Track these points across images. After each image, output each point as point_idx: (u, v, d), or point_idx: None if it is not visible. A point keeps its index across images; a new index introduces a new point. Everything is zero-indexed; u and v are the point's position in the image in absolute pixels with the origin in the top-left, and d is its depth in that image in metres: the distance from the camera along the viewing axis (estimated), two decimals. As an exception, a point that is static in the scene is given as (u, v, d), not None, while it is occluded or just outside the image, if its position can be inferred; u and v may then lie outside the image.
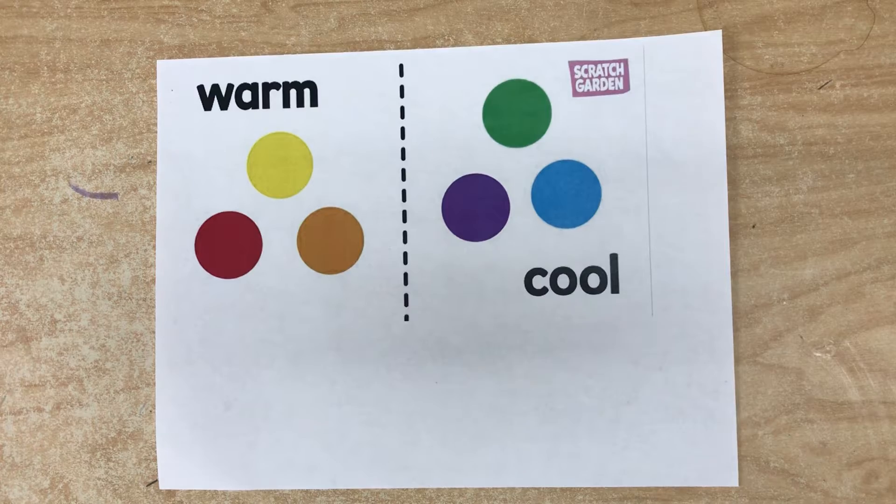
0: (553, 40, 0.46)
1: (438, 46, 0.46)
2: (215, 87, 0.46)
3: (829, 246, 0.44)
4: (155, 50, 0.47)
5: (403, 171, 0.45)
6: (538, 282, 0.45)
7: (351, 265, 0.45)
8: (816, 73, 0.45)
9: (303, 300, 0.45)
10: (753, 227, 0.44)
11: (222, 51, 0.47)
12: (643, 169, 0.44)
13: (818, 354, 0.44)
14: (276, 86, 0.46)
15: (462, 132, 0.45)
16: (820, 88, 0.45)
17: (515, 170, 0.45)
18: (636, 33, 0.45)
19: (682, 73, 0.44)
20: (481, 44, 0.46)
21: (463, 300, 0.45)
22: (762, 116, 0.45)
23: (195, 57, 0.47)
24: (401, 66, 0.46)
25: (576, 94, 0.45)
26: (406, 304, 0.45)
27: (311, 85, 0.46)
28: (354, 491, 0.45)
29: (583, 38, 0.45)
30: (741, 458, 0.44)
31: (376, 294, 0.45)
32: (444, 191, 0.45)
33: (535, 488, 0.45)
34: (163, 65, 0.47)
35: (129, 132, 0.47)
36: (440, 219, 0.45)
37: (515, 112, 0.45)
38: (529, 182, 0.45)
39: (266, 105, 0.46)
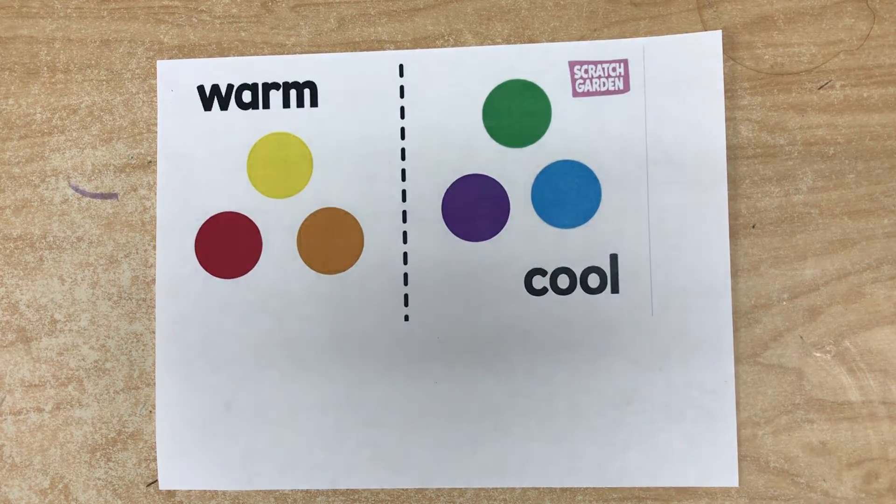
0: (553, 40, 0.46)
1: (438, 46, 0.46)
2: (215, 88, 0.46)
3: (829, 246, 0.44)
4: (155, 50, 0.47)
5: (403, 171, 0.45)
6: (538, 282, 0.45)
7: (351, 265, 0.45)
8: (816, 73, 0.45)
9: (303, 300, 0.45)
10: (753, 227, 0.44)
11: (222, 51, 0.47)
12: (643, 169, 0.44)
13: (818, 354, 0.44)
14: (276, 86, 0.46)
15: (462, 132, 0.45)
16: (820, 88, 0.45)
17: (515, 170, 0.45)
18: (636, 33, 0.45)
19: (682, 74, 0.44)
20: (481, 44, 0.46)
21: (463, 300, 0.45)
22: (762, 116, 0.45)
23: (195, 57, 0.47)
24: (401, 67, 0.46)
25: (576, 94, 0.45)
26: (406, 304, 0.45)
27: (311, 85, 0.46)
28: (354, 491, 0.45)
29: (583, 38, 0.45)
30: (741, 458, 0.44)
31: (376, 294, 0.45)
32: (444, 191, 0.45)
33: (535, 488, 0.45)
34: (163, 65, 0.47)
35: (129, 132, 0.47)
36: (440, 219, 0.45)
37: (515, 112, 0.45)
38: (529, 182, 0.45)
39: (266, 105, 0.46)
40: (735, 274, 0.44)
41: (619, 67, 0.45)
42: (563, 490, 0.45)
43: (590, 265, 0.45)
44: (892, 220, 0.44)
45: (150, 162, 0.47)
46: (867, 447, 0.44)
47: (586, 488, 0.44)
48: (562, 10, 0.46)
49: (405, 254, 0.45)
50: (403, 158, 0.45)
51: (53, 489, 0.46)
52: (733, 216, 0.44)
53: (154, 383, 0.46)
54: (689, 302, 0.44)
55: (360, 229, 0.45)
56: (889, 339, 0.44)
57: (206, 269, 0.46)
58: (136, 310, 0.46)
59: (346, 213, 0.45)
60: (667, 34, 0.45)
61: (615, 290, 0.44)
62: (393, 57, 0.46)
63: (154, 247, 0.46)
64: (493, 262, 0.45)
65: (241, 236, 0.46)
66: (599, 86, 0.45)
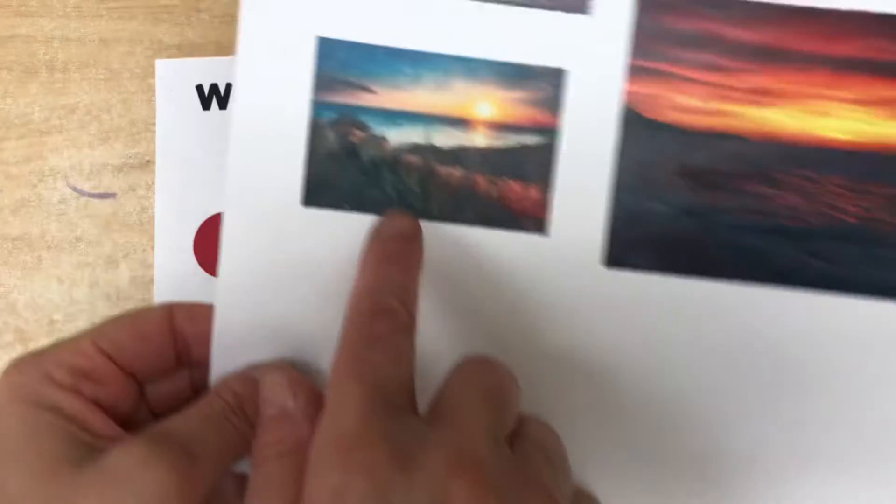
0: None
1: (439, 45, 0.46)
2: (214, 87, 0.46)
3: None
4: (154, 49, 0.47)
5: (403, 170, 0.45)
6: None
7: (350, 266, 0.45)
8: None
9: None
10: None
11: (221, 50, 0.46)
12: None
13: None
14: (275, 85, 0.46)
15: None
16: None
17: None
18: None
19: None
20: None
21: None
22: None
23: (194, 56, 0.46)
24: (401, 66, 0.45)
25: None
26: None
27: (311, 84, 0.46)
28: (354, 493, 0.45)
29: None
30: None
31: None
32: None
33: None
34: (161, 64, 0.46)
35: (128, 132, 0.47)
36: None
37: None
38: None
39: (265, 104, 0.46)
40: None
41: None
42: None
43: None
44: None
45: (149, 161, 0.46)
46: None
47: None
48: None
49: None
50: (403, 158, 0.45)
51: (51, 491, 0.46)
52: None
53: (152, 384, 0.46)
54: None
55: (360, 229, 0.45)
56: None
57: (205, 270, 0.46)
58: (135, 310, 0.46)
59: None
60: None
61: None
62: (393, 56, 0.46)
63: (152, 247, 0.46)
64: None
65: (240, 236, 0.45)
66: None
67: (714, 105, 0.31)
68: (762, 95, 0.31)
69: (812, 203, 0.31)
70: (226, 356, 0.35)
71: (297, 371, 0.33)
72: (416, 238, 0.32)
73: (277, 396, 0.31)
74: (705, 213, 0.32)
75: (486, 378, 0.29)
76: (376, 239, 0.32)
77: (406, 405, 0.28)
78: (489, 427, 0.27)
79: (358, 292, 0.31)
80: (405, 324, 0.29)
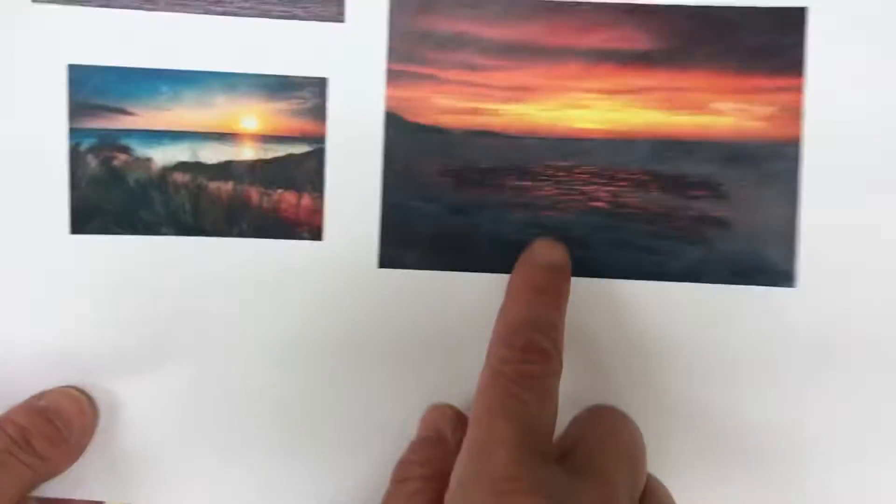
0: None
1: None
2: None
3: None
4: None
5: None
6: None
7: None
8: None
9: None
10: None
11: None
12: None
13: None
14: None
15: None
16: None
17: None
18: None
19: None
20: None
21: None
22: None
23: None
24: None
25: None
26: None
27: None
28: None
29: None
30: None
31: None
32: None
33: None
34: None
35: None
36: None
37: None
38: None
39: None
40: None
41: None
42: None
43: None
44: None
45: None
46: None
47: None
48: None
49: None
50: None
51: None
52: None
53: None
54: None
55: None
56: None
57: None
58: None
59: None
60: None
61: None
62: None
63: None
64: None
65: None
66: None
67: (472, 104, 0.33)
68: (518, 92, 0.33)
69: (566, 193, 0.33)
70: (6, 387, 0.34)
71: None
72: (566, 271, 0.32)
73: (438, 422, 0.32)
74: (469, 210, 0.34)
75: (624, 435, 0.30)
76: (528, 266, 0.32)
77: (550, 452, 0.28)
78: (631, 487, 0.28)
79: (509, 322, 0.31)
80: (556, 368, 0.29)
